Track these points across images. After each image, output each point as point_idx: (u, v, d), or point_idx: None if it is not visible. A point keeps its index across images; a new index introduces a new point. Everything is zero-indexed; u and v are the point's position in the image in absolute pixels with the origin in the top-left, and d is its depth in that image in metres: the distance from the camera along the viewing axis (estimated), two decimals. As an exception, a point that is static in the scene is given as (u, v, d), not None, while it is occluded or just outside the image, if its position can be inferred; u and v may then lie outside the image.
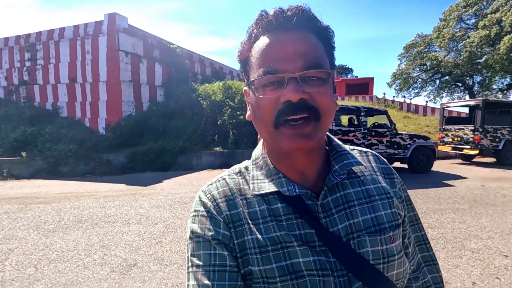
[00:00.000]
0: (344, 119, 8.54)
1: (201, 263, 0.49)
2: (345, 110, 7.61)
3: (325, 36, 0.50)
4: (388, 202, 0.55)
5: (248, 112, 0.55)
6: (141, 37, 10.96)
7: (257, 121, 0.51)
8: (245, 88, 0.55)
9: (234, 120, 9.94)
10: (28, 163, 8.02)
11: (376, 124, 7.86)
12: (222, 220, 0.51)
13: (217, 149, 9.42)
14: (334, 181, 0.51)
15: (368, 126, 7.68)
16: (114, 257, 2.91)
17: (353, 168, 0.56)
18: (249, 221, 0.50)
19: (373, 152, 0.64)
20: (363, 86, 28.00)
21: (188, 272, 0.50)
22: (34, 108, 10.98)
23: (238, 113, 10.16)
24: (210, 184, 0.56)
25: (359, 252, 0.49)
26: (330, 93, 0.48)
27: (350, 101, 23.32)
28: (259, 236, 0.49)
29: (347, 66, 49.77)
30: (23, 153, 8.11)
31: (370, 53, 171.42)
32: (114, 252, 3.02)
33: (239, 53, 0.53)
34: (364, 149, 0.63)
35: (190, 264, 0.50)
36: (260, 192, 0.52)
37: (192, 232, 0.51)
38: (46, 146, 8.33)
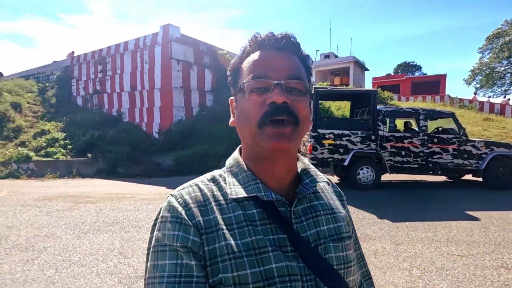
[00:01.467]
0: (400, 124, 7.49)
1: (165, 274, 0.46)
2: (399, 113, 6.66)
3: (305, 63, 0.58)
4: (343, 216, 0.62)
5: (232, 119, 0.59)
6: (192, 45, 11.48)
7: (242, 123, 0.54)
8: (231, 98, 0.60)
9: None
10: (93, 163, 9.00)
11: (440, 129, 6.69)
12: (193, 226, 0.49)
13: (260, 154, 9.23)
14: (306, 192, 0.57)
15: (430, 131, 6.58)
16: (126, 266, 2.90)
17: (319, 183, 0.62)
18: (223, 227, 0.50)
19: (327, 177, 0.70)
20: (433, 85, 24.83)
21: (148, 284, 0.48)
22: (103, 114, 12.39)
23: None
24: (182, 189, 0.55)
25: (325, 257, 0.53)
26: (308, 106, 0.55)
27: (416, 102, 20.87)
28: (233, 242, 0.49)
29: (413, 63, 44.78)
30: (89, 155, 9.14)
31: (442, 47, 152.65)
32: (128, 260, 3.01)
33: (231, 65, 0.59)
34: (321, 173, 0.68)
35: (151, 275, 0.48)
36: (238, 197, 0.53)
37: (157, 240, 0.49)
38: (108, 149, 9.24)
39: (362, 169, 6.25)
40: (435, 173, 6.44)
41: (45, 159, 9.14)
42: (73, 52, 14.92)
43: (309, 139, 6.22)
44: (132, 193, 6.09)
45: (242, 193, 0.53)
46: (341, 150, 6.20)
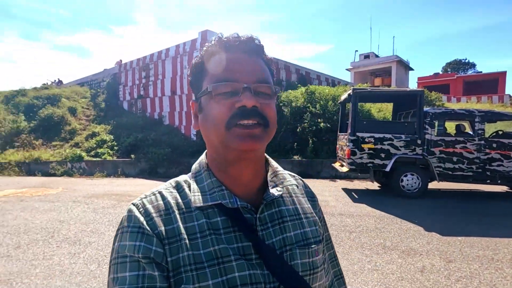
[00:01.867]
0: (451, 127, 6.83)
1: (125, 287, 0.45)
2: (450, 115, 6.07)
3: (269, 66, 0.58)
4: (313, 220, 0.62)
5: (193, 123, 0.59)
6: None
7: (209, 127, 0.53)
8: (193, 100, 0.59)
9: (314, 128, 9.39)
10: (135, 164, 9.55)
11: (500, 132, 5.96)
12: (155, 236, 0.48)
13: (295, 157, 9.07)
14: (272, 197, 0.56)
15: (488, 135, 5.89)
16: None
17: (288, 187, 0.61)
18: (186, 237, 0.49)
19: (299, 177, 0.70)
20: (490, 84, 22.47)
21: None
22: (146, 118, 13.15)
23: (319, 120, 9.55)
24: (144, 198, 0.53)
25: (290, 264, 0.53)
26: (275, 108, 0.54)
27: (469, 103, 18.99)
28: (196, 252, 0.48)
29: (466, 61, 40.94)
30: (132, 156, 9.72)
31: (498, 43, 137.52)
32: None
33: (193, 67, 0.57)
34: (293, 174, 0.69)
35: None
36: (201, 205, 0.52)
37: (117, 251, 0.48)
38: (149, 150, 9.74)
39: (406, 175, 5.79)
40: (494, 182, 5.74)
41: (95, 159, 9.92)
42: (121, 60, 16.10)
43: (348, 143, 5.93)
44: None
45: (206, 201, 0.52)
46: (382, 155, 5.81)
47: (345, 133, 6.32)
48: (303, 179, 0.71)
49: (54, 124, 12.32)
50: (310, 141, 9.18)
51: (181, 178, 0.59)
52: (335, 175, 8.28)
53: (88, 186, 7.34)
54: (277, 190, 0.57)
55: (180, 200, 0.53)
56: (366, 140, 5.85)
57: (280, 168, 0.62)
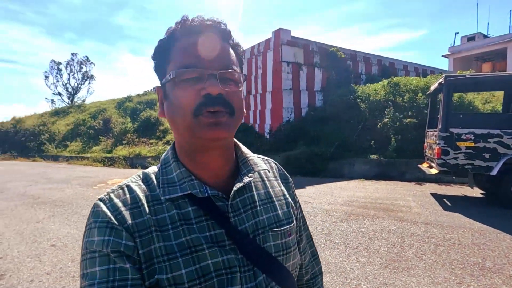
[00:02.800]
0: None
1: (95, 281, 0.44)
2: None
3: (237, 50, 0.56)
4: (286, 202, 0.64)
5: (159, 110, 0.57)
6: (302, 46, 11.47)
7: (175, 115, 0.51)
8: (158, 86, 0.57)
9: (397, 123, 8.37)
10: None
11: None
12: (124, 230, 0.47)
13: (373, 156, 8.26)
14: (243, 183, 0.55)
15: None
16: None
17: (259, 172, 0.62)
18: (158, 228, 0.49)
19: (273, 160, 0.72)
20: None
21: None
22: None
23: (405, 114, 8.46)
24: (111, 192, 0.52)
25: (263, 246, 0.54)
26: (241, 96, 0.54)
27: None
28: (168, 243, 0.48)
29: None
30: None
31: None
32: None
33: (155, 51, 0.55)
34: (265, 157, 0.70)
35: (82, 284, 0.46)
36: (171, 196, 0.51)
37: (86, 247, 0.47)
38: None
39: (521, 181, 4.59)
40: None
41: (181, 155, 11.17)
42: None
43: (438, 141, 5.06)
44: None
45: (176, 192, 0.51)
46: (486, 156, 4.75)
47: (435, 129, 5.41)
48: (276, 162, 0.71)
49: (151, 125, 14.39)
50: (393, 139, 8.22)
51: (150, 170, 0.58)
52: (424, 178, 7.20)
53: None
54: (248, 176, 0.57)
55: (148, 193, 0.52)
56: (464, 137, 4.87)
57: (250, 154, 0.63)
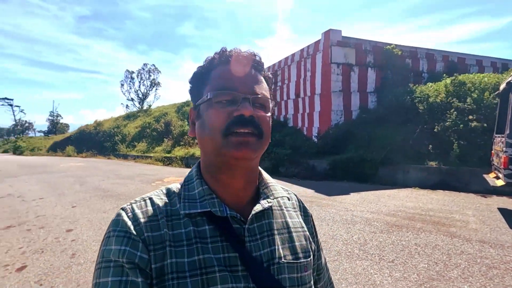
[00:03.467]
0: None
1: None
2: None
3: (268, 81, 0.60)
4: (304, 235, 0.62)
5: (190, 130, 0.61)
6: (354, 46, 11.01)
7: (206, 134, 0.53)
8: (191, 107, 0.61)
9: (461, 126, 7.47)
10: (261, 162, 10.43)
11: None
12: (141, 241, 0.47)
13: (432, 163, 7.51)
14: (262, 208, 0.55)
15: None
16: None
17: (278, 200, 0.61)
18: (172, 244, 0.49)
19: (293, 192, 0.70)
20: None
21: None
22: (274, 120, 14.05)
23: (470, 117, 7.51)
24: (134, 203, 0.53)
25: (278, 278, 0.52)
26: (270, 122, 0.56)
27: None
28: (180, 260, 0.48)
29: None
30: (258, 155, 10.81)
31: None
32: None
33: (194, 76, 0.59)
34: (286, 188, 0.69)
35: None
36: (190, 212, 0.52)
37: (102, 256, 0.48)
38: (273, 150, 10.54)
39: None
40: None
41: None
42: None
43: (505, 148, 4.42)
44: (283, 192, 6.64)
45: (195, 208, 0.52)
46: None
47: (502, 135, 4.72)
48: (296, 194, 0.71)
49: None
50: (455, 144, 7.36)
51: (173, 186, 0.59)
52: (493, 190, 6.29)
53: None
54: (267, 201, 0.57)
55: (169, 207, 0.53)
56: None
57: (271, 180, 0.63)
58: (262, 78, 0.58)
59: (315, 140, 11.16)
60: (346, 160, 8.62)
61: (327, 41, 10.81)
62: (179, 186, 0.58)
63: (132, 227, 0.48)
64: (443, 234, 3.74)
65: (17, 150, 30.22)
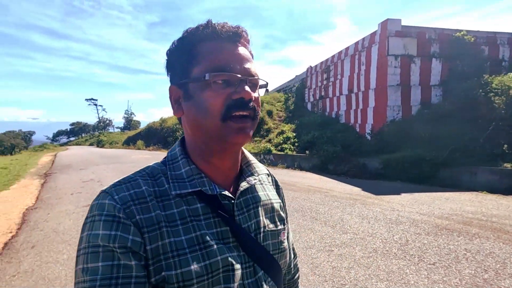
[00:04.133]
0: None
1: (97, 277, 0.43)
2: None
3: (252, 58, 0.58)
4: (279, 205, 0.68)
5: (175, 109, 0.57)
6: (416, 35, 10.10)
7: (199, 117, 0.52)
8: (174, 85, 0.56)
9: (548, 124, 6.33)
10: (309, 159, 10.48)
11: None
12: (132, 224, 0.46)
13: (507, 165, 6.55)
14: (248, 185, 0.60)
15: None
16: (288, 246, 3.36)
17: (260, 175, 0.65)
18: (167, 224, 0.49)
19: (265, 167, 0.72)
20: None
21: None
22: (324, 117, 13.94)
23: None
24: (118, 185, 0.51)
25: (263, 245, 0.58)
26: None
27: None
28: (177, 238, 0.49)
29: None
30: (307, 152, 10.73)
31: None
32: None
33: (176, 49, 0.55)
34: (262, 164, 0.71)
35: (80, 279, 0.44)
36: (181, 192, 0.52)
37: (88, 241, 0.46)
38: (323, 147, 10.37)
39: None
40: None
41: (279, 152, 11.83)
42: (310, 66, 17.92)
43: None
44: (329, 189, 6.55)
45: (186, 188, 0.53)
46: None
47: None
48: (268, 169, 0.74)
49: (257, 124, 15.79)
50: (539, 144, 6.27)
51: (155, 165, 0.57)
52: None
53: (269, 174, 8.98)
54: (253, 178, 0.61)
55: (157, 188, 0.53)
56: None
57: (252, 158, 0.67)
58: (251, 55, 0.56)
59: (368, 137, 10.60)
60: (402, 159, 8.03)
61: (384, 32, 10.13)
62: (162, 165, 0.57)
63: (121, 210, 0.47)
64: (503, 242, 3.33)
65: (99, 144, 35.71)
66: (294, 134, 13.04)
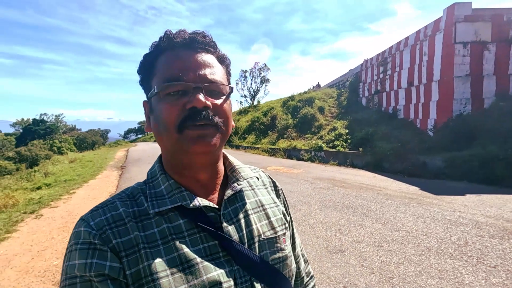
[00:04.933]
0: None
1: None
2: None
3: (223, 62, 0.56)
4: (278, 209, 0.64)
5: (146, 125, 0.57)
6: (491, 18, 8.99)
7: (161, 130, 0.50)
8: (145, 100, 0.56)
9: None
10: (362, 156, 10.15)
11: None
12: (109, 250, 0.45)
13: None
14: (233, 192, 0.56)
15: None
16: (337, 239, 3.49)
17: (247, 180, 0.60)
18: (146, 245, 0.47)
19: (261, 169, 0.72)
20: None
21: None
22: (380, 112, 13.25)
23: None
24: (95, 210, 0.50)
25: (260, 255, 0.53)
26: (229, 109, 0.53)
27: None
28: (158, 260, 0.46)
29: None
30: (360, 149, 10.39)
31: None
32: (341, 236, 3.58)
33: (141, 66, 0.54)
34: (254, 167, 0.69)
35: None
36: (160, 209, 0.50)
37: (66, 272, 0.45)
38: (377, 144, 9.94)
39: None
40: None
41: (331, 149, 11.67)
42: (366, 60, 17.12)
43: None
44: (382, 187, 6.36)
45: (165, 205, 0.50)
46: None
47: None
48: (264, 171, 0.71)
49: (308, 121, 15.73)
50: None
51: (136, 185, 0.56)
52: None
53: (320, 170, 8.99)
54: (238, 184, 0.57)
55: (136, 208, 0.51)
56: None
57: (238, 163, 0.62)
58: (214, 60, 0.53)
59: (430, 133, 9.81)
60: (470, 157, 7.31)
61: (450, 18, 9.24)
62: (143, 184, 0.56)
63: (96, 237, 0.45)
64: None
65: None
66: (347, 131, 12.69)
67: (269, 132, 18.31)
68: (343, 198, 5.36)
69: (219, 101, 0.51)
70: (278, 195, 0.67)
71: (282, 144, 14.74)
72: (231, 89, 0.54)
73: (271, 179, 0.70)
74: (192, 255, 0.48)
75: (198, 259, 0.48)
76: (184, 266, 0.47)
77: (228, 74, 0.57)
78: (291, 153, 13.33)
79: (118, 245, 0.46)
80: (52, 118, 51.32)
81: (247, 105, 31.08)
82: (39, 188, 8.53)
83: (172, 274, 0.46)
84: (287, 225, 0.63)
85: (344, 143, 11.84)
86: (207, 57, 0.52)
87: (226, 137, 0.53)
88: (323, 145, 12.23)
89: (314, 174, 8.26)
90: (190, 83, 0.48)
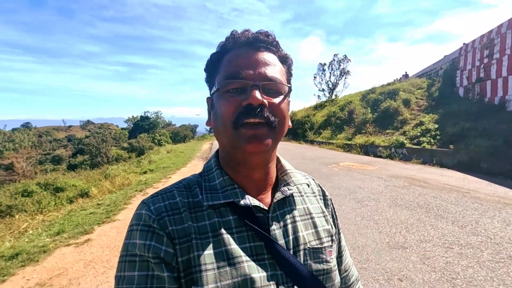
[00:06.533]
0: None
1: (133, 286, 0.45)
2: None
3: (285, 61, 0.58)
4: (326, 219, 0.62)
5: (207, 120, 0.59)
6: None
7: (218, 125, 0.53)
8: (208, 97, 0.58)
9: None
10: (454, 155, 8.94)
11: None
12: (165, 235, 0.48)
13: None
14: (283, 196, 0.56)
15: None
16: (402, 237, 3.43)
17: (297, 186, 0.61)
18: (198, 236, 0.49)
19: (312, 177, 0.71)
20: None
21: None
22: (482, 104, 11.26)
23: None
24: (155, 196, 0.53)
25: (304, 264, 0.53)
26: (286, 108, 0.54)
27: None
28: (207, 252, 0.48)
29: None
30: (451, 146, 9.16)
31: None
32: (406, 233, 3.50)
33: (207, 64, 0.57)
34: (304, 173, 0.70)
35: (118, 287, 0.47)
36: (214, 203, 0.52)
37: (127, 249, 0.48)
38: (473, 141, 8.61)
39: None
40: None
41: (415, 146, 10.60)
42: (464, 44, 14.71)
43: None
44: (471, 189, 5.62)
45: (219, 199, 0.52)
46: None
47: None
48: (315, 179, 0.70)
49: (389, 115, 14.53)
50: None
51: (192, 176, 0.58)
52: None
53: (398, 168, 8.38)
54: (288, 189, 0.57)
55: (191, 199, 0.53)
56: None
57: (290, 167, 0.63)
58: (275, 59, 0.55)
59: (552, 129, 7.93)
60: None
61: None
62: (198, 177, 0.58)
63: (155, 221, 0.48)
64: None
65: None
66: (436, 126, 11.28)
67: (345, 127, 17.63)
68: (418, 198, 5.02)
69: (276, 100, 0.52)
70: (326, 205, 0.66)
71: (359, 139, 14.08)
72: (290, 88, 0.55)
73: (321, 187, 0.69)
74: (239, 252, 0.49)
75: (244, 257, 0.49)
76: (230, 262, 0.48)
77: (289, 74, 0.58)
78: (368, 150, 12.64)
79: (173, 232, 0.48)
80: (153, 115, 60.72)
81: (324, 99, 30.38)
82: (145, 172, 10.56)
83: (218, 268, 0.47)
84: (334, 237, 0.62)
85: (432, 140, 10.60)
86: (268, 56, 0.54)
87: (280, 137, 0.54)
88: (405, 141, 11.21)
89: (390, 171, 7.78)
90: (249, 81, 0.50)
